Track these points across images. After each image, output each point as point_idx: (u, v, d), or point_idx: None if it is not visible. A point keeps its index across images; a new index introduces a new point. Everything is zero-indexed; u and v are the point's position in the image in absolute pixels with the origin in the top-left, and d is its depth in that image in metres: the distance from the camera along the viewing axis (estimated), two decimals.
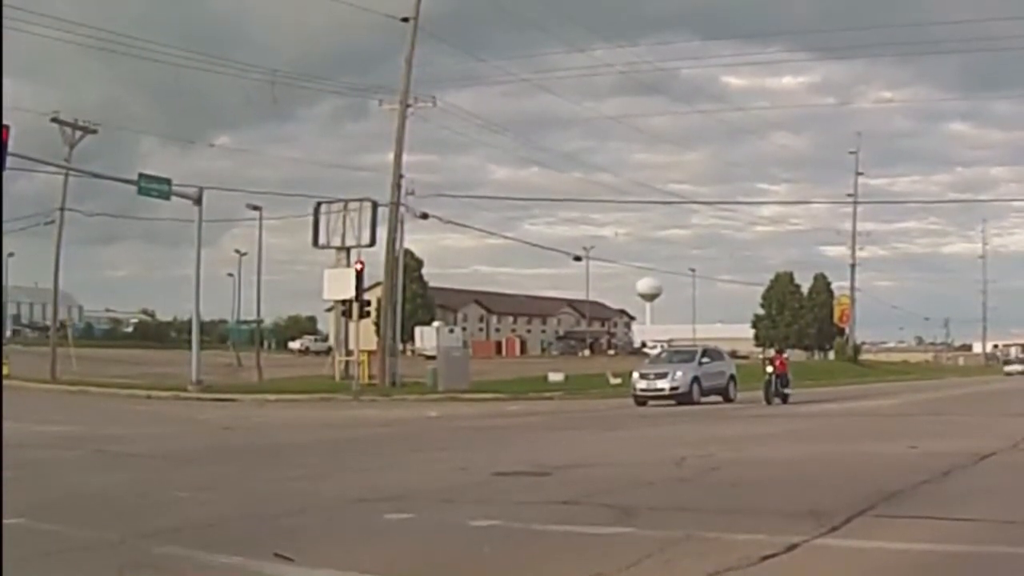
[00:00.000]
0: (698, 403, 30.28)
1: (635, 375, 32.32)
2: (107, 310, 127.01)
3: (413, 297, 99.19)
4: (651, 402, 30.46)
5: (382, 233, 42.90)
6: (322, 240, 47.48)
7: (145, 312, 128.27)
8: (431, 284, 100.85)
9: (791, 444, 13.16)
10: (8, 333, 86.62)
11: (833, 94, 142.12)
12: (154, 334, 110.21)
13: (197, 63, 60.61)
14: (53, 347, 48.61)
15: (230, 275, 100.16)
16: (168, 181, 41.80)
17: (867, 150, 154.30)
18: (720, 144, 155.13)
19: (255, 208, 55.15)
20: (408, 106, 42.36)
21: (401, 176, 42.46)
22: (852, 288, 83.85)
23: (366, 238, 46.56)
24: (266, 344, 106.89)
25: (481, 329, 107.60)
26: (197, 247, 42.45)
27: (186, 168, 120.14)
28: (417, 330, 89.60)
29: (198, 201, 42.34)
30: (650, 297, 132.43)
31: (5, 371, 37.20)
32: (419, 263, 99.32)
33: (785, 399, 29.73)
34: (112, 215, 65.33)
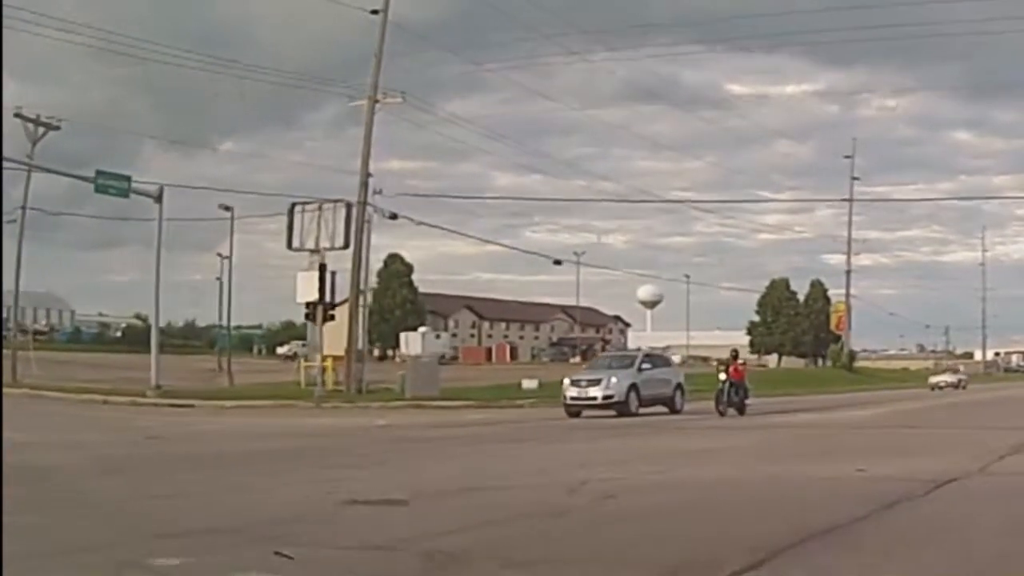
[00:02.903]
0: (636, 414, 27.47)
1: (566, 382, 29.09)
2: (100, 314, 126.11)
3: (403, 303, 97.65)
4: (586, 412, 27.70)
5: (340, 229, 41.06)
6: (296, 242, 45.70)
7: (138, 317, 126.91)
8: (422, 290, 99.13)
9: (724, 463, 11.35)
10: None
11: (836, 102, 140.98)
12: (142, 339, 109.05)
13: (201, 64, 59.13)
14: (14, 351, 47.08)
15: (218, 279, 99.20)
16: (128, 178, 40.31)
17: (870, 158, 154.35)
18: (723, 152, 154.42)
19: (226, 208, 53.80)
20: (376, 102, 40.65)
21: (369, 175, 40.73)
22: (847, 295, 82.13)
23: (340, 240, 44.91)
24: (255, 349, 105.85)
25: (473, 335, 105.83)
26: (157, 246, 40.93)
27: (191, 172, 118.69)
28: (402, 335, 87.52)
29: (158, 199, 40.77)
30: (650, 304, 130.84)
31: None
32: (409, 268, 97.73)
33: (742, 410, 27.12)
34: (73, 213, 62.87)
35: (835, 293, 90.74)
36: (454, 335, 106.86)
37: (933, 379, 66.35)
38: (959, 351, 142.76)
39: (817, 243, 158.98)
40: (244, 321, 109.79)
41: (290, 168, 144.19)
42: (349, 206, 44.36)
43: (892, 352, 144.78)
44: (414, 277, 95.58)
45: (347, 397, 38.48)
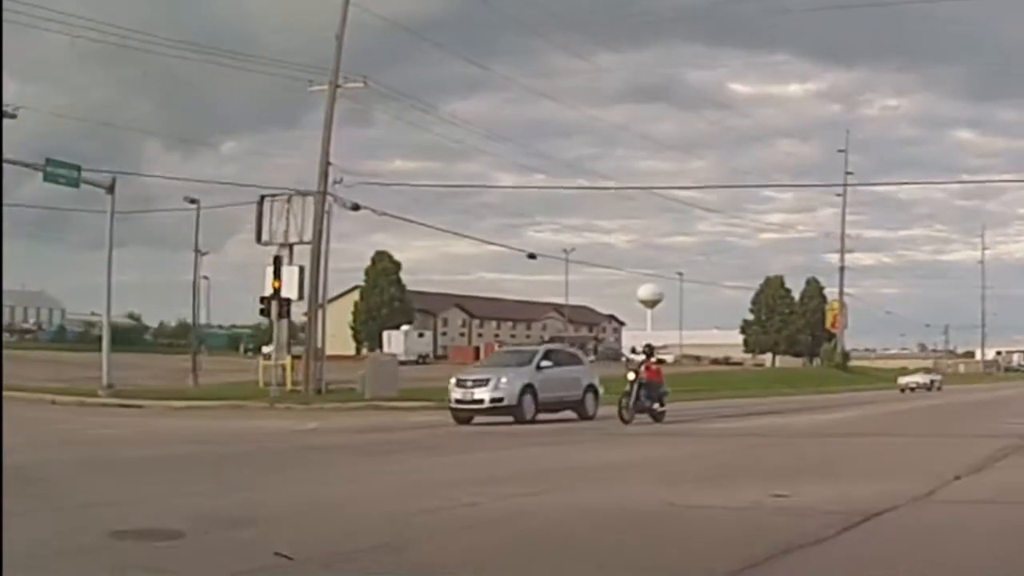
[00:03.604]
0: (533, 420, 23.53)
1: (452, 382, 25.04)
2: (92, 313, 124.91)
3: (390, 301, 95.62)
4: (479, 418, 23.61)
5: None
6: (265, 236, 43.83)
7: (131, 316, 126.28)
8: (413, 288, 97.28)
9: (608, 485, 9.33)
10: None
11: (839, 101, 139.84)
12: (127, 337, 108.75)
13: (201, 61, 57.44)
14: None
15: (205, 278, 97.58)
16: (78, 168, 38.44)
17: (872, 157, 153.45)
18: (726, 151, 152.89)
19: (192, 201, 51.98)
20: (338, 87, 38.69)
21: (328, 163, 38.75)
22: (840, 292, 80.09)
23: (309, 234, 43.10)
24: (242, 348, 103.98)
25: (463, 334, 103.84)
26: (109, 238, 39.16)
27: (192, 172, 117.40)
28: (385, 334, 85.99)
29: (111, 190, 38.96)
30: (651, 303, 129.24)
31: None
32: (397, 266, 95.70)
33: (657, 416, 22.88)
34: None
35: (833, 291, 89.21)
36: (444, 333, 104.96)
37: (902, 380, 60.12)
38: (961, 350, 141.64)
39: (819, 242, 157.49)
40: (238, 320, 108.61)
41: (291, 168, 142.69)
42: (321, 195, 42.58)
43: (894, 351, 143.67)
44: (420, 276, 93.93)
45: (304, 398, 36.55)
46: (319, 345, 39.56)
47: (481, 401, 23.62)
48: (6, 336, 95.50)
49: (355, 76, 38.64)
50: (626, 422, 21.75)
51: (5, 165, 35.18)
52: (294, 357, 39.15)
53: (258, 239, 43.43)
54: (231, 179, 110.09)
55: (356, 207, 39.72)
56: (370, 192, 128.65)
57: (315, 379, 38.24)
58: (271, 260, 41.93)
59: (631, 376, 22.68)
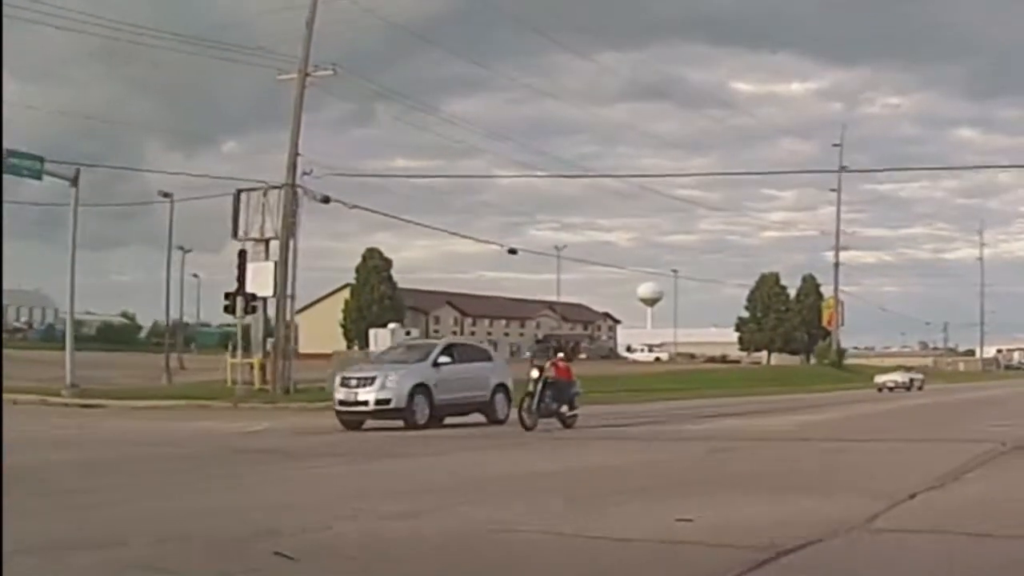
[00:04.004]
0: (426, 425, 20.72)
1: (336, 381, 22.56)
2: (87, 312, 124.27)
3: (381, 298, 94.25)
4: (371, 421, 20.81)
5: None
6: (241, 231, 42.57)
7: (124, 315, 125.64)
8: (405, 286, 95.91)
9: (501, 503, 7.93)
10: None
11: (841, 100, 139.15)
12: (118, 336, 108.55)
13: (198, 58, 56.16)
14: None
15: (195, 275, 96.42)
16: (41, 159, 37.15)
17: (874, 155, 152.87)
18: (728, 149, 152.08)
19: (166, 195, 50.89)
20: (307, 75, 37.40)
21: (297, 155, 37.44)
22: (836, 289, 78.76)
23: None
24: (230, 347, 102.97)
25: (455, 332, 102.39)
26: (72, 232, 37.98)
27: (190, 171, 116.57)
28: (372, 332, 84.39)
29: (74, 182, 37.70)
30: (651, 302, 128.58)
31: None
32: (388, 263, 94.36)
33: (566, 421, 20.16)
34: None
35: (832, 289, 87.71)
36: (436, 331, 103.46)
37: (879, 379, 56.00)
38: (962, 348, 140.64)
39: (820, 240, 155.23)
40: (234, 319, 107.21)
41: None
42: (293, 190, 41.37)
43: (895, 349, 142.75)
44: (421, 275, 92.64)
45: (270, 398, 35.32)
46: (289, 343, 38.29)
47: (365, 403, 20.69)
48: None
49: (325, 64, 37.35)
50: (528, 428, 19.08)
51: None
52: (264, 355, 37.89)
53: (234, 234, 42.15)
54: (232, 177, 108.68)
55: (326, 200, 38.45)
56: (371, 191, 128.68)
57: (284, 378, 36.99)
58: (251, 255, 41.16)
59: (534, 374, 19.89)
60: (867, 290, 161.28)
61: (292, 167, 37.72)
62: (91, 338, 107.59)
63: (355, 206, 39.80)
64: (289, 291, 37.95)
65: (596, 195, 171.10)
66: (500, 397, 22.69)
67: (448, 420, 21.76)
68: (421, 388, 21.02)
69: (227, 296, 36.69)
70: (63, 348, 75.36)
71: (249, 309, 36.63)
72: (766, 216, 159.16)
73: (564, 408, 20.20)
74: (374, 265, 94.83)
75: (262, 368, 37.62)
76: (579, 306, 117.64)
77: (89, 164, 42.36)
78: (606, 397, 37.60)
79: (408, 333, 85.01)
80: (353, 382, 21.26)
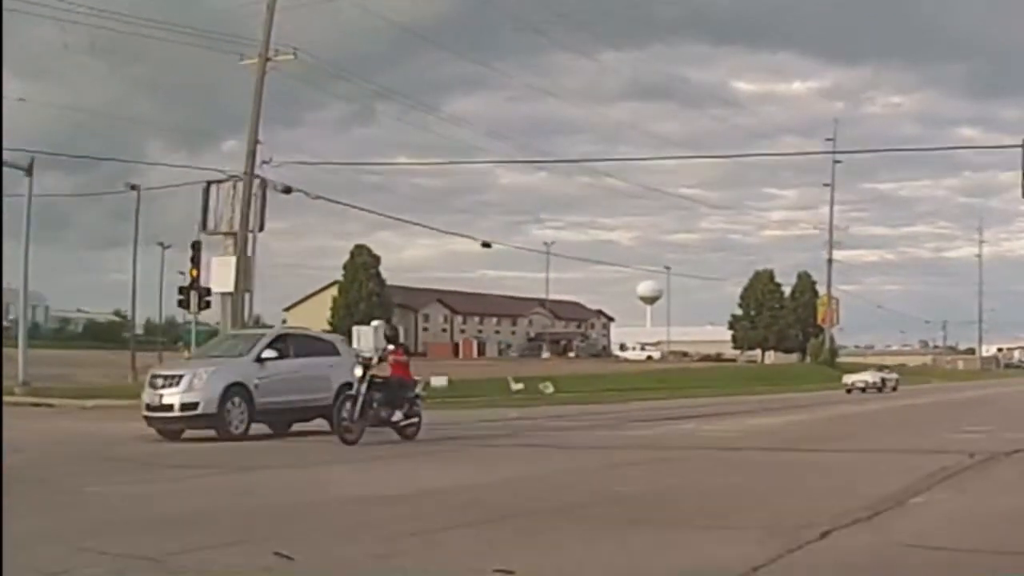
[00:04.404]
0: (245, 435, 16.91)
1: (147, 381, 18.27)
2: (78, 310, 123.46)
3: (369, 296, 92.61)
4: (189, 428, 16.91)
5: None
6: (211, 224, 41.00)
7: (117, 313, 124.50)
8: (395, 283, 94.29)
9: (296, 538, 6.32)
10: None
11: (842, 99, 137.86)
12: (107, 334, 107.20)
13: (199, 58, 54.80)
14: None
15: (180, 273, 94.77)
16: None
17: (876, 155, 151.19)
18: (731, 149, 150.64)
19: (133, 188, 49.23)
20: (268, 60, 35.79)
21: (257, 142, 35.82)
22: (828, 286, 77.03)
23: (253, 221, 40.35)
24: (181, 345, 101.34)
25: (445, 330, 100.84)
26: (26, 226, 36.43)
27: (195, 172, 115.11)
28: (354, 330, 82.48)
29: (29, 172, 36.15)
30: (650, 300, 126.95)
31: None
32: (376, 259, 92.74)
33: (403, 431, 16.19)
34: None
35: (841, 290, 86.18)
36: (425, 329, 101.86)
37: (848, 379, 51.06)
38: (963, 347, 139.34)
39: (822, 239, 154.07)
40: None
41: (293, 168, 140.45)
42: (265, 183, 39.87)
43: (895, 348, 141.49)
44: (422, 274, 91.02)
45: None
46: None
47: (170, 407, 16.82)
48: None
49: (285, 47, 35.74)
50: (348, 442, 15.14)
51: None
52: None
53: (203, 227, 40.60)
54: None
55: (288, 190, 36.84)
56: (370, 190, 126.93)
57: None
58: (221, 250, 39.66)
59: (358, 372, 15.82)
60: (869, 289, 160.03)
61: (251, 155, 36.09)
62: (78, 336, 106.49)
63: (318, 196, 38.22)
64: (249, 286, 36.33)
65: (599, 194, 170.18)
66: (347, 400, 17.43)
67: (292, 428, 18.22)
68: (237, 389, 16.95)
69: (181, 290, 35.21)
70: (47, 347, 74.06)
71: (203, 304, 35.08)
72: (767, 215, 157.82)
73: (398, 415, 16.02)
74: (362, 262, 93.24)
75: None
76: (573, 304, 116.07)
77: (50, 152, 40.99)
78: (580, 397, 36.16)
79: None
80: (159, 382, 17.34)
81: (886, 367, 60.00)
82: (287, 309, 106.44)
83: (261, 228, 40.46)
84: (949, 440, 15.22)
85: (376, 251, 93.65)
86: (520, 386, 37.11)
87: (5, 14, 26.57)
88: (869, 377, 51.11)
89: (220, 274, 39.37)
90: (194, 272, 35.13)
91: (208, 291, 35.27)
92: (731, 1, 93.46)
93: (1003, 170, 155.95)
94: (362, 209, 60.56)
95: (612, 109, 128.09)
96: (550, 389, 36.38)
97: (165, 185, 46.26)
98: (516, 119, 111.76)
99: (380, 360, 16.16)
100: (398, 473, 11.24)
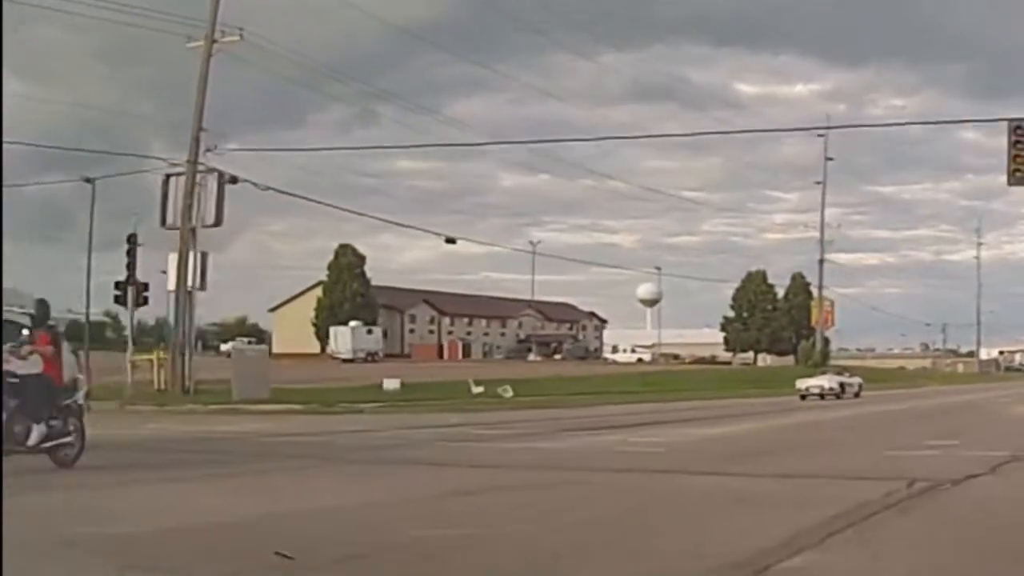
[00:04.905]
0: None
1: None
2: (68, 311, 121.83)
3: (353, 296, 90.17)
4: None
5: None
6: (170, 219, 39.04)
7: (107, 314, 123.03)
8: (382, 283, 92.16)
9: None
10: None
11: (844, 101, 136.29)
12: (97, 335, 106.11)
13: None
14: None
15: (163, 272, 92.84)
16: None
17: (878, 157, 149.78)
18: (733, 151, 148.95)
19: (87, 181, 47.23)
20: (214, 42, 33.82)
21: (202, 129, 33.83)
22: (820, 287, 74.90)
23: (213, 216, 38.44)
24: (198, 346, 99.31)
25: (432, 331, 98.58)
26: None
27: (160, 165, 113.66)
28: (332, 331, 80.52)
29: None
30: (650, 303, 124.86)
31: None
32: (362, 259, 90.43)
33: (53, 452, 11.82)
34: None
35: (828, 289, 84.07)
36: (411, 331, 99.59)
37: (802, 384, 44.76)
38: (964, 349, 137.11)
39: (825, 242, 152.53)
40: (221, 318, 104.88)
41: (294, 168, 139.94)
42: (221, 175, 37.86)
43: (896, 351, 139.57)
44: (423, 276, 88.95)
45: (165, 398, 31.80)
46: (188, 339, 34.73)
47: None
48: None
49: (231, 28, 33.74)
50: None
51: None
52: (161, 353, 34.38)
53: (162, 222, 38.67)
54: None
55: (234, 180, 34.85)
56: (370, 192, 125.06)
57: (182, 377, 33.44)
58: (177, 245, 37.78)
59: None
60: (870, 292, 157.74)
61: (196, 141, 34.10)
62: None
63: (268, 188, 36.19)
64: (202, 283, 34.28)
65: (601, 197, 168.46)
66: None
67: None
68: None
69: (117, 285, 33.23)
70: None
71: (140, 300, 33.11)
72: (769, 218, 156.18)
73: (36, 432, 11.33)
74: (347, 262, 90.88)
75: (161, 366, 34.08)
76: (565, 305, 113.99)
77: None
78: (542, 401, 34.04)
79: (370, 332, 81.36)
80: None
81: (846, 370, 51.80)
82: (272, 310, 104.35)
83: (218, 222, 38.60)
84: (894, 460, 12.73)
85: (375, 254, 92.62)
86: (480, 389, 35.14)
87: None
88: (825, 382, 44.65)
89: (178, 271, 37.50)
90: (131, 267, 33.20)
91: (146, 286, 33.31)
92: (732, 2, 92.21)
93: (1003, 173, 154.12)
94: (321, 203, 58.57)
95: (614, 111, 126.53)
96: (509, 393, 34.39)
97: (117, 174, 44.09)
98: (518, 121, 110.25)
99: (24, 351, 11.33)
100: (150, 499, 9.16)
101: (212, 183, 38.02)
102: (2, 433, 9.71)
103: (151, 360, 34.45)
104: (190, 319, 39.33)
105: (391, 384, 33.50)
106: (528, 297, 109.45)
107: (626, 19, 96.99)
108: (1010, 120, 24.75)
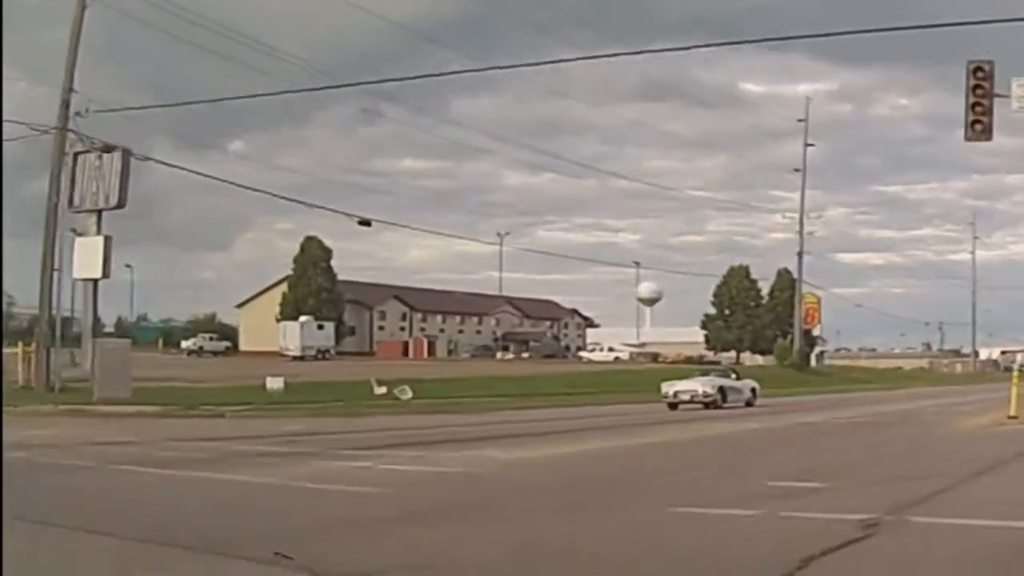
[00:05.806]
0: None
1: None
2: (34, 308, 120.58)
3: (318, 291, 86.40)
4: None
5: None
6: (76, 201, 35.78)
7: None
8: (349, 278, 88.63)
9: None
10: None
11: (850, 101, 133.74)
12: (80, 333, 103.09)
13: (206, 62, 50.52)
14: None
15: (128, 266, 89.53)
16: None
17: (883, 157, 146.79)
18: (738, 150, 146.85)
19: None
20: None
21: (71, 90, 30.20)
22: (799, 282, 70.89)
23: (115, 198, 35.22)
24: (160, 343, 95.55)
25: (403, 328, 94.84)
26: None
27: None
28: (280, 326, 76.76)
29: None
30: (650, 302, 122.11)
31: None
32: (328, 253, 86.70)
33: None
34: None
35: (825, 289, 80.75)
36: (381, 328, 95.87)
37: (668, 388, 33.57)
38: (967, 350, 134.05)
39: (828, 242, 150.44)
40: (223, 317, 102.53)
41: (295, 169, 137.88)
42: (127, 153, 34.41)
43: (898, 351, 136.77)
44: (425, 276, 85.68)
45: (27, 397, 28.27)
46: (53, 331, 31.08)
47: None
48: None
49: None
50: None
51: None
52: (25, 347, 30.80)
53: (69, 204, 35.27)
54: (238, 178, 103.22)
55: (108, 148, 31.28)
56: (372, 191, 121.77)
57: (46, 373, 29.84)
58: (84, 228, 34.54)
59: None
60: (875, 290, 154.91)
61: (65, 105, 30.49)
62: (22, 332, 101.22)
63: (147, 158, 32.64)
64: (57, 265, 30.71)
65: (605, 195, 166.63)
66: None
67: None
68: None
69: None
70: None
71: None
72: (773, 218, 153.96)
73: None
74: (312, 256, 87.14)
75: (27, 361, 30.51)
76: (547, 302, 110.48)
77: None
78: (446, 404, 30.26)
79: (321, 327, 77.55)
80: None
81: (734, 371, 40.48)
82: (240, 306, 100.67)
83: (121, 204, 35.20)
84: (649, 530, 7.74)
85: (380, 252, 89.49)
86: (383, 390, 31.62)
87: None
88: (699, 386, 33.08)
89: (82, 257, 34.19)
90: None
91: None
92: (738, 2, 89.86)
93: (1010, 173, 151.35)
94: (222, 180, 55.26)
95: (620, 109, 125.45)
96: (408, 394, 30.81)
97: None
98: (523, 120, 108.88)
99: None
100: None
101: (116, 162, 34.71)
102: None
103: (16, 353, 30.87)
104: (94, 309, 36.14)
105: (274, 384, 29.82)
106: (507, 293, 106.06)
107: (632, 18, 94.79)
108: (969, 62, 20.89)
